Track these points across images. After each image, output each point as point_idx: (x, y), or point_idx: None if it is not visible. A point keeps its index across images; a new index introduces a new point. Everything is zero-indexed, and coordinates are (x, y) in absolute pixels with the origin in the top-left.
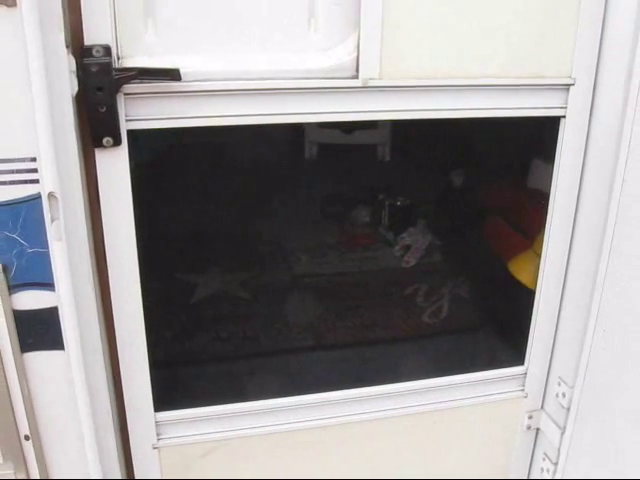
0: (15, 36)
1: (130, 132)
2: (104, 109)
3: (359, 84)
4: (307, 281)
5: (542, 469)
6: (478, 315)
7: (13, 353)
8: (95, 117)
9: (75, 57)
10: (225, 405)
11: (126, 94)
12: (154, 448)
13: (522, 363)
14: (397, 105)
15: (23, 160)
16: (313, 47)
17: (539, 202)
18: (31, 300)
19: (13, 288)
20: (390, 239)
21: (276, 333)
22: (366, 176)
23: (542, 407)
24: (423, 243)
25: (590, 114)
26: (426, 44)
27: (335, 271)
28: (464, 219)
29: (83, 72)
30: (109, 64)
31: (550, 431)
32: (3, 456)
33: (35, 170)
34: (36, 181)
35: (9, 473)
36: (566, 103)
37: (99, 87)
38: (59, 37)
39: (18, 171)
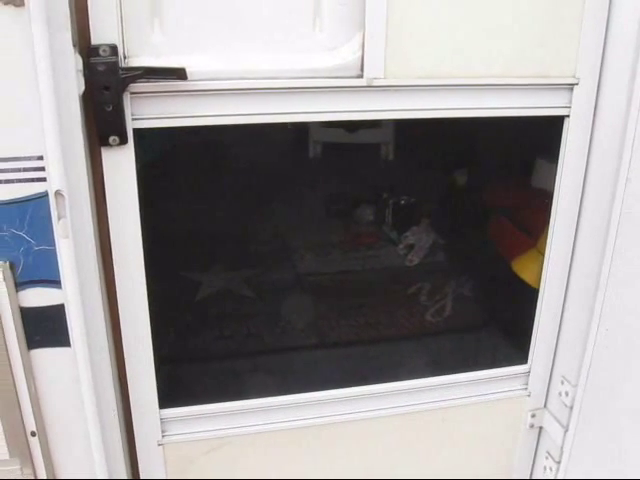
0: (23, 35)
1: (136, 131)
2: (110, 108)
3: (364, 83)
4: (311, 279)
5: (545, 467)
6: (481, 314)
7: (20, 350)
8: (102, 116)
9: (82, 56)
10: (229, 402)
11: (132, 93)
12: (159, 445)
13: (525, 362)
14: (401, 104)
15: (30, 159)
16: (318, 47)
17: (543, 201)
18: (38, 297)
19: (20, 285)
20: (394, 238)
21: (280, 331)
22: (370, 175)
23: (545, 406)
24: (427, 242)
25: (594, 114)
26: (431, 44)
27: (339, 269)
28: (468, 218)
29: (90, 71)
30: (116, 63)
31: (553, 430)
32: (10, 452)
33: (42, 168)
34: (43, 179)
35: (15, 469)
36: (570, 103)
37: (106, 86)
38: (66, 36)
39: (25, 169)
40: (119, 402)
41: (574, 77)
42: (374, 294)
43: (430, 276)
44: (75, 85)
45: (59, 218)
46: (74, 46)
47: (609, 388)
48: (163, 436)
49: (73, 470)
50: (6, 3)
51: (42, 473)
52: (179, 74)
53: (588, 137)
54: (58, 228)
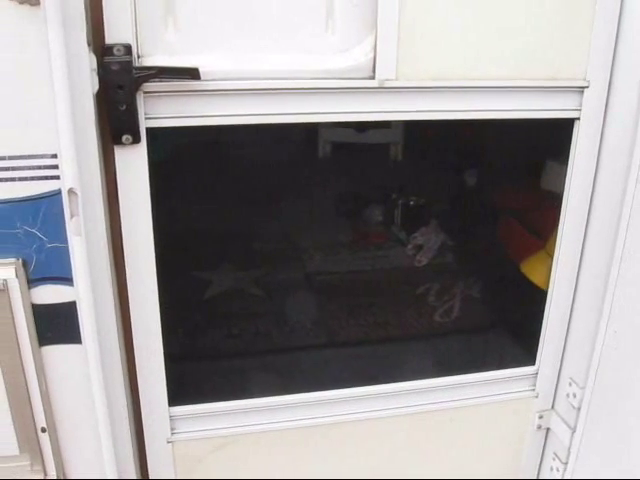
0: (38, 34)
1: (149, 130)
2: (124, 107)
3: (375, 85)
4: (320, 279)
5: (552, 468)
6: (490, 315)
7: (31, 346)
8: (115, 115)
9: (96, 55)
10: (238, 401)
11: (146, 92)
12: (168, 442)
13: (533, 363)
14: (413, 106)
15: (44, 156)
16: (330, 48)
17: (552, 203)
18: (50, 294)
19: (32, 282)
20: (402, 238)
21: (289, 330)
22: (379, 175)
23: (553, 407)
24: (435, 243)
25: (604, 116)
26: (442, 45)
27: (347, 269)
28: (477, 219)
29: (104, 70)
30: (130, 63)
31: (560, 431)
32: (20, 448)
33: (56, 166)
34: (56, 177)
35: (25, 465)
36: (580, 105)
37: (120, 85)
38: (81, 36)
39: (39, 167)
40: (129, 399)
41: (585, 80)
42: (383, 294)
43: (439, 277)
44: (89, 84)
45: (72, 216)
46: (88, 45)
47: (617, 389)
48: (172, 434)
49: (83, 467)
50: (21, 2)
51: (52, 469)
52: (192, 74)
53: (598, 139)
54: (71, 226)
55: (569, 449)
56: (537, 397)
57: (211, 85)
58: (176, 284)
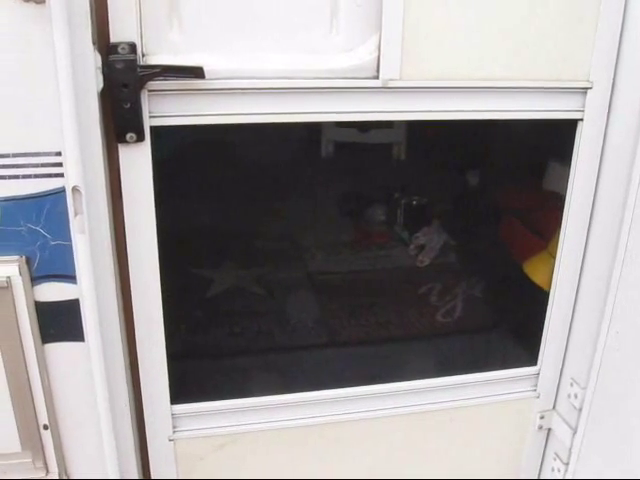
0: (43, 33)
1: (153, 128)
2: (128, 105)
3: (379, 84)
4: (322, 278)
5: (553, 469)
6: (492, 315)
7: (34, 344)
8: (119, 113)
9: (101, 54)
10: (240, 399)
11: (150, 91)
12: (170, 440)
13: (535, 363)
14: (417, 106)
15: (48, 154)
16: (335, 47)
17: (555, 204)
18: (53, 292)
19: (36, 280)
20: (405, 238)
21: (290, 329)
22: (382, 175)
23: (554, 407)
24: (437, 243)
25: (607, 117)
26: (446, 46)
27: (350, 269)
28: (479, 219)
29: (108, 69)
30: (134, 61)
31: (562, 431)
32: (22, 445)
33: (60, 164)
34: (60, 175)
35: (27, 462)
36: (583, 106)
37: (124, 84)
38: (86, 34)
39: (43, 165)
40: (131, 397)
41: (588, 81)
42: (385, 294)
43: (441, 277)
44: (94, 82)
45: (76, 214)
46: (93, 44)
47: (619, 390)
48: (174, 432)
49: (84, 464)
50: (26, 0)
51: (53, 466)
52: (197, 73)
53: (601, 140)
54: (74, 224)
55: (570, 450)
56: (538, 397)
57: (215, 84)
58: (179, 282)
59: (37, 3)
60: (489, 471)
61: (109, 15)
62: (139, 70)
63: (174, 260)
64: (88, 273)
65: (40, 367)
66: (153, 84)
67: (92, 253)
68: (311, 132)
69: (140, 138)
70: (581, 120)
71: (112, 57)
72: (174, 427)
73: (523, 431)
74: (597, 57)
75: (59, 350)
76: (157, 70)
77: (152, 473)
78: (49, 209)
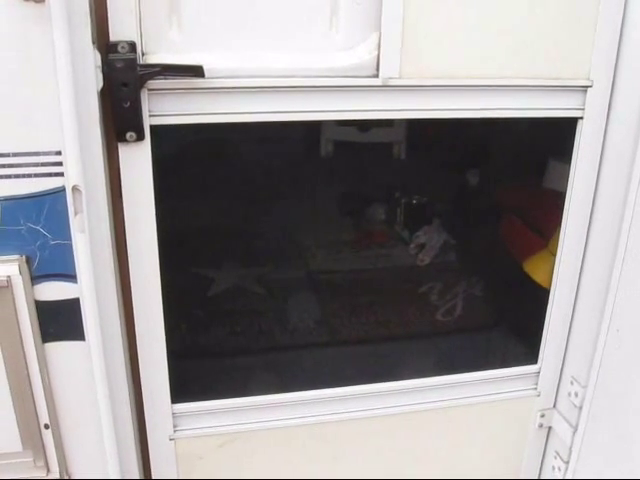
0: (42, 31)
1: (153, 127)
2: (128, 104)
3: (379, 83)
4: (322, 277)
5: (553, 467)
6: (492, 314)
7: (35, 343)
8: (119, 112)
9: (101, 53)
10: (240, 398)
11: (150, 90)
12: (170, 439)
13: (535, 362)
14: (416, 104)
15: (48, 153)
16: (334, 46)
17: (555, 202)
18: (53, 291)
19: (36, 279)
20: (405, 237)
21: (291, 328)
22: (382, 174)
23: (554, 406)
24: (438, 242)
25: (607, 115)
26: (446, 44)
27: (350, 268)
28: (479, 218)
29: (108, 68)
30: (134, 60)
31: (562, 430)
32: (23, 444)
33: (60, 163)
34: (60, 174)
35: (28, 461)
36: (584, 105)
37: (124, 83)
38: (86, 33)
39: (43, 164)
40: (132, 396)
41: (588, 79)
42: (385, 293)
43: (441, 275)
44: (94, 81)
45: (76, 213)
46: (93, 43)
47: (619, 388)
48: (175, 431)
49: (85, 463)
50: None
51: (54, 465)
52: (197, 72)
53: (601, 139)
54: (75, 223)
55: (571, 448)
56: (539, 396)
57: (215, 83)
58: (179, 281)
59: (36, 2)
60: (490, 469)
61: (109, 14)
62: (139, 69)
63: (175, 259)
64: (88, 272)
65: (40, 366)
66: (153, 83)
67: (92, 252)
68: (311, 131)
69: (140, 137)
70: (581, 118)
71: (112, 56)
72: (175, 426)
73: (523, 429)
74: (597, 56)
75: (59, 349)
76: (157, 69)
77: (153, 472)
78: (49, 208)
